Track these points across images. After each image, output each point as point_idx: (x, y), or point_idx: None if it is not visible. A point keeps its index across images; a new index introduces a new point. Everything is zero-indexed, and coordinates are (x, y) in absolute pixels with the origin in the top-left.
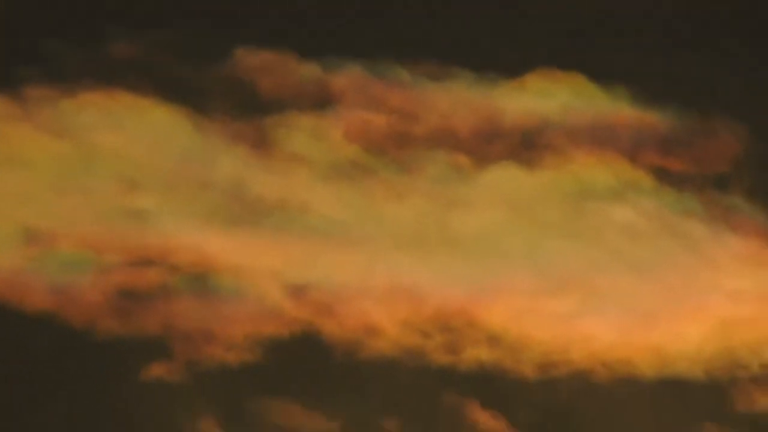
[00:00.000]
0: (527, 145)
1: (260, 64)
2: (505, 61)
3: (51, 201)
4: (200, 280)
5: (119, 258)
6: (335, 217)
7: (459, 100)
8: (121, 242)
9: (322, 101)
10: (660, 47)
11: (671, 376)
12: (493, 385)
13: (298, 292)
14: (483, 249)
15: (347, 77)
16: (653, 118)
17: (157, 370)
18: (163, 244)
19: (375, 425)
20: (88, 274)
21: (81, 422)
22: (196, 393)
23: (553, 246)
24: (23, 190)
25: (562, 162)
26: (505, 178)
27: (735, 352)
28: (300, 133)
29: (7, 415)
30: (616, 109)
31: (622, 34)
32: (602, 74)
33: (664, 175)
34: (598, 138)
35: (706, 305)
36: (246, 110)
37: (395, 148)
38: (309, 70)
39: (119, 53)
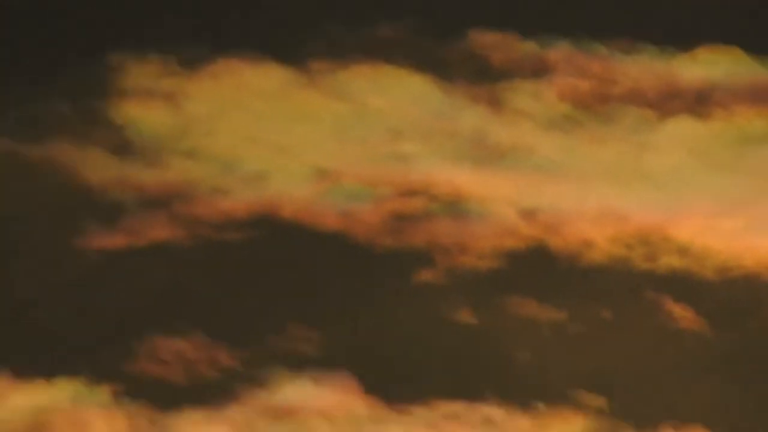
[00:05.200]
0: (699, 102)
1: (490, 42)
2: (681, 38)
3: (334, 147)
4: (453, 206)
5: (390, 190)
6: (553, 158)
7: (645, 68)
8: (391, 178)
9: (539, 70)
10: None
11: None
12: (682, 285)
13: (528, 214)
14: (668, 181)
15: (559, 51)
16: None
17: (423, 276)
18: (423, 179)
19: (593, 314)
20: (367, 203)
21: (364, 318)
22: (454, 292)
23: (721, 178)
24: (312, 139)
25: (726, 115)
26: (682, 128)
27: None
28: (524, 94)
29: (303, 309)
30: (765, 74)
31: None
32: (755, 48)
33: None
34: (753, 96)
35: None
36: (481, 78)
37: (597, 105)
38: (528, 47)
39: (383, 34)
